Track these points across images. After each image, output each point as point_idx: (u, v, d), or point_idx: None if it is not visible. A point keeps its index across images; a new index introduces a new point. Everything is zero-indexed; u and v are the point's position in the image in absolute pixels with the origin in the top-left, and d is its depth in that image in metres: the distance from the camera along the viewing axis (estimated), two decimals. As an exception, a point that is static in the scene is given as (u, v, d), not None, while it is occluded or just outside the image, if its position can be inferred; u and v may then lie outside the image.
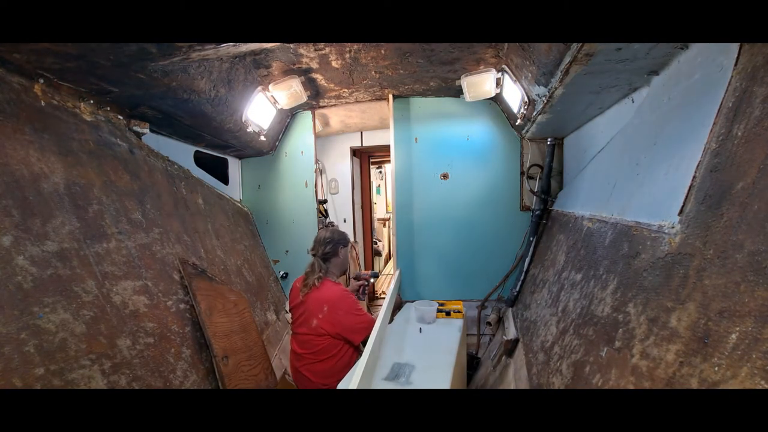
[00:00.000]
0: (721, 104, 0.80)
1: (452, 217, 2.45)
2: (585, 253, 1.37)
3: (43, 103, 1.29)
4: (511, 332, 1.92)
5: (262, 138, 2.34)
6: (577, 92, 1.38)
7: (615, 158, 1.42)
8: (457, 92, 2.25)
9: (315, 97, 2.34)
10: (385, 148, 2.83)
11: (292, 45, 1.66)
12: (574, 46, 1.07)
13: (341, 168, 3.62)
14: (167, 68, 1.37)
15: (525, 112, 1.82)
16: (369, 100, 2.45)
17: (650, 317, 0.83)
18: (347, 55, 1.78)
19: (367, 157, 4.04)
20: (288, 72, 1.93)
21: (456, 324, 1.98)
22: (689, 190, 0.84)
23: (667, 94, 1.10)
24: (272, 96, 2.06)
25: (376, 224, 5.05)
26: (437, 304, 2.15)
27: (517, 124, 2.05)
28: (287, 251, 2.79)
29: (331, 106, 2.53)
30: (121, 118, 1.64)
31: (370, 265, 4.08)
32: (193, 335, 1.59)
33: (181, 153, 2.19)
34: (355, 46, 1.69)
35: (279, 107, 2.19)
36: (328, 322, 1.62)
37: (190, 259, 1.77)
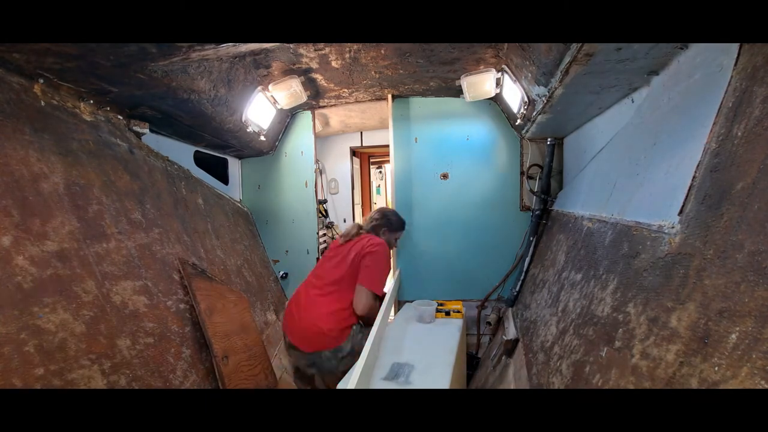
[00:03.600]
0: (721, 104, 0.80)
1: (452, 217, 2.45)
2: (585, 253, 1.37)
3: (43, 103, 1.29)
4: (511, 332, 1.91)
5: (262, 138, 2.34)
6: (577, 92, 1.38)
7: (615, 158, 1.42)
8: (457, 92, 2.25)
9: (315, 97, 2.34)
10: (385, 148, 2.83)
11: (292, 45, 1.66)
12: (574, 46, 1.07)
13: (341, 168, 3.62)
14: (167, 68, 1.37)
15: (525, 112, 1.82)
16: (369, 100, 2.45)
17: (650, 317, 0.83)
18: (347, 55, 1.78)
19: (367, 157, 4.04)
20: (288, 72, 1.93)
21: (456, 324, 1.98)
22: (689, 190, 0.84)
23: (667, 94, 1.10)
24: (272, 96, 2.06)
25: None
26: (437, 304, 2.15)
27: (517, 124, 2.05)
28: (287, 251, 2.79)
29: (331, 106, 2.53)
30: (121, 118, 1.64)
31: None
32: (193, 335, 1.59)
33: (181, 153, 2.19)
34: (355, 46, 1.69)
35: (279, 107, 2.18)
36: (361, 256, 1.75)
37: (190, 259, 1.77)
